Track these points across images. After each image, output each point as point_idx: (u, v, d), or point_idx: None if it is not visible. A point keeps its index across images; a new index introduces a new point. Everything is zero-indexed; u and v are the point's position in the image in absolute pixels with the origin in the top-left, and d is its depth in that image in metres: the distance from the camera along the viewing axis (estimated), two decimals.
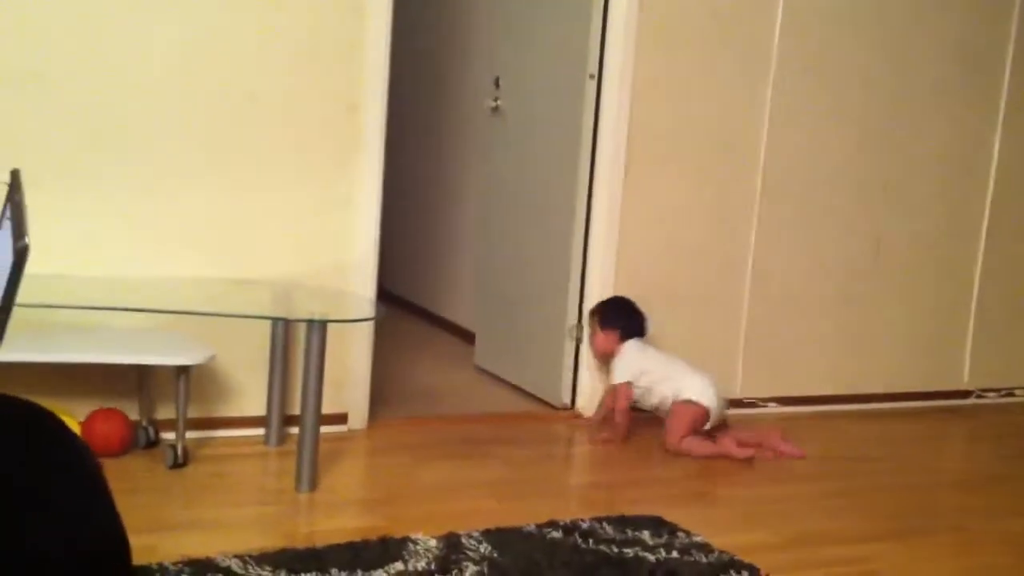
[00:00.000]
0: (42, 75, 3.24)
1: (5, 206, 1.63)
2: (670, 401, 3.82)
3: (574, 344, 4.18)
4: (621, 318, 3.98)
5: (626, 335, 3.96)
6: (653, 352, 3.97)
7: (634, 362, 3.90)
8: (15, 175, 1.68)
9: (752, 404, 4.40)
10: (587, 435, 3.95)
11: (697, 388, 3.82)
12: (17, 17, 3.20)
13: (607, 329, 3.98)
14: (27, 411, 1.51)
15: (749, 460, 3.71)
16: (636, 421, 4.16)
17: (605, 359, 4.02)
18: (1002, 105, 4.69)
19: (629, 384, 3.87)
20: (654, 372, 3.88)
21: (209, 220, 3.49)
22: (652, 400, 3.90)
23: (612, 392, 3.93)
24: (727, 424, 3.94)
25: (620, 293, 4.13)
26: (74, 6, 3.25)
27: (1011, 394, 4.89)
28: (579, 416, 4.15)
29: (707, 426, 3.81)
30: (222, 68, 3.44)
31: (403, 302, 5.66)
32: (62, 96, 3.28)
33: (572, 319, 4.16)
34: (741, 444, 3.77)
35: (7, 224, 1.50)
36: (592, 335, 4.05)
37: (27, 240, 1.33)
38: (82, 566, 1.37)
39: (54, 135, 3.28)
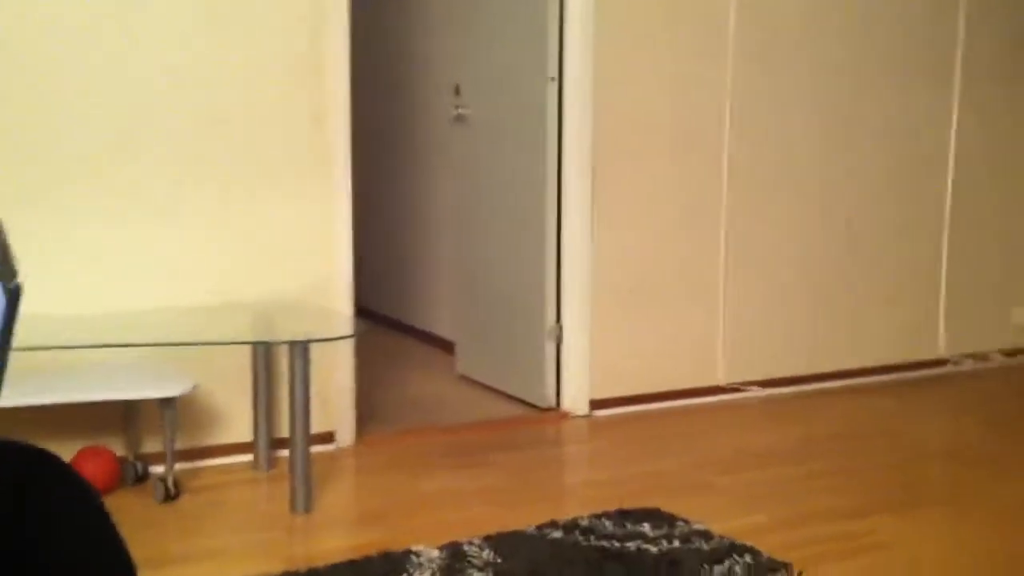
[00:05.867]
0: (4, 105, 3.21)
1: None
2: None
3: (555, 345, 4.19)
4: None
5: None
6: None
7: None
8: None
9: (735, 389, 4.43)
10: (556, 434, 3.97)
11: None
12: None
13: None
14: (28, 454, 1.49)
15: None
16: (627, 417, 4.18)
17: None
18: (957, 79, 4.76)
19: None
20: None
21: (181, 248, 3.46)
22: None
23: None
24: None
25: (598, 289, 4.15)
26: (29, 37, 3.22)
27: (986, 359, 4.96)
28: (566, 416, 4.16)
29: None
30: (185, 94, 3.41)
31: (378, 316, 5.65)
32: (25, 129, 3.24)
33: (551, 320, 4.17)
34: None
35: None
36: None
37: (19, 281, 1.32)
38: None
39: (18, 169, 3.24)
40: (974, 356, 4.94)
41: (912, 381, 4.72)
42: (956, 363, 4.90)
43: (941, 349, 4.88)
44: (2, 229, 1.60)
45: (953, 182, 4.82)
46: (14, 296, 1.31)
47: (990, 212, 4.92)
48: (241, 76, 3.48)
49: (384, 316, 5.66)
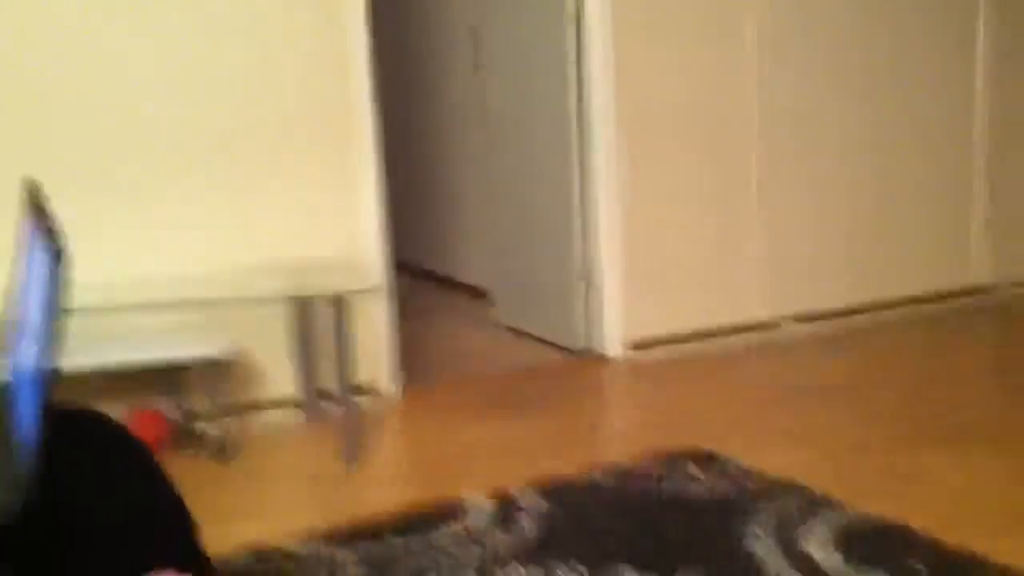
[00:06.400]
0: (49, 84, 3.21)
1: (26, 218, 1.61)
2: None
3: (586, 287, 4.16)
4: None
5: None
6: None
7: None
8: (31, 185, 1.65)
9: (775, 325, 4.40)
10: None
11: None
12: (13, 61, 3.16)
13: None
14: (86, 416, 1.52)
15: None
16: (668, 358, 4.17)
17: None
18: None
19: None
20: None
21: (215, 212, 3.46)
22: None
23: None
24: None
25: (628, 228, 4.11)
26: (76, 17, 3.21)
27: None
28: (606, 360, 4.15)
29: None
30: (214, 57, 3.39)
31: (413, 268, 5.66)
32: (68, 102, 3.24)
33: (584, 263, 4.15)
34: None
35: (35, 235, 1.49)
36: None
37: (64, 243, 1.31)
38: (151, 532, 1.40)
39: (59, 141, 3.25)
40: (1022, 284, 4.87)
41: (958, 310, 4.67)
42: (1003, 291, 4.84)
43: (986, 277, 4.81)
44: (43, 195, 1.60)
45: (983, 98, 4.72)
46: (60, 258, 1.30)
47: None
48: (266, 31, 3.45)
49: (418, 267, 5.66)
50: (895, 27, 4.49)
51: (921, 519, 2.61)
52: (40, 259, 1.38)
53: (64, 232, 1.35)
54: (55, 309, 1.32)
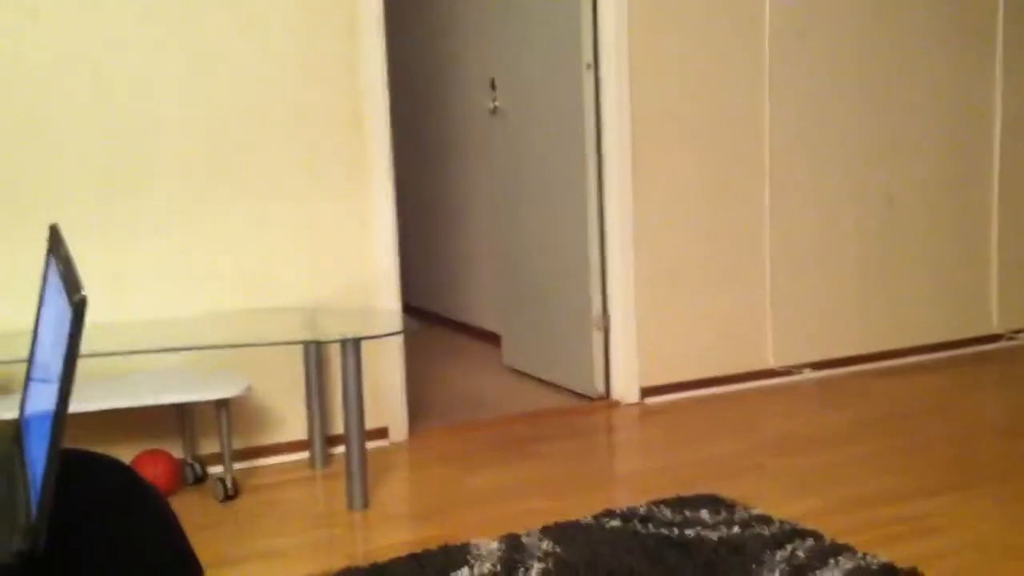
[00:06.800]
0: (47, 122, 3.25)
1: (48, 263, 1.64)
2: None
3: (603, 334, 4.18)
4: None
5: None
6: None
7: None
8: (54, 230, 1.68)
9: (786, 372, 4.39)
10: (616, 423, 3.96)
11: None
12: (17, 69, 3.20)
13: None
14: (96, 461, 1.53)
15: None
16: (679, 404, 4.17)
17: None
18: (999, 44, 4.68)
19: None
20: None
21: (229, 252, 3.50)
22: None
23: None
24: None
25: (643, 276, 4.13)
26: (74, 52, 3.26)
27: None
28: (617, 405, 4.15)
29: None
30: (224, 100, 3.44)
31: (423, 312, 5.67)
32: (68, 142, 3.28)
33: (597, 308, 4.16)
34: None
35: (55, 280, 1.51)
36: None
37: (84, 292, 1.33)
38: None
39: (64, 182, 3.29)
40: None
41: (966, 358, 4.66)
42: (1010, 338, 4.83)
43: (995, 324, 4.81)
44: (65, 244, 1.63)
45: (1000, 149, 4.74)
46: (79, 309, 1.33)
47: None
48: (280, 79, 3.50)
49: (429, 312, 5.68)
50: (913, 29, 4.51)
51: (934, 566, 2.60)
52: (60, 304, 1.40)
53: (82, 283, 1.37)
54: (72, 354, 1.34)
